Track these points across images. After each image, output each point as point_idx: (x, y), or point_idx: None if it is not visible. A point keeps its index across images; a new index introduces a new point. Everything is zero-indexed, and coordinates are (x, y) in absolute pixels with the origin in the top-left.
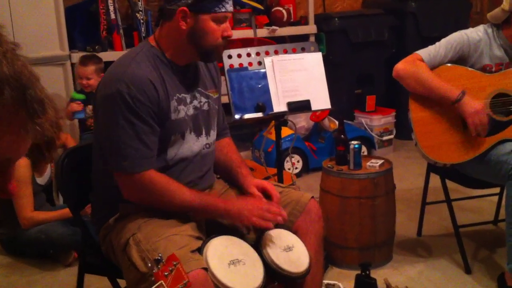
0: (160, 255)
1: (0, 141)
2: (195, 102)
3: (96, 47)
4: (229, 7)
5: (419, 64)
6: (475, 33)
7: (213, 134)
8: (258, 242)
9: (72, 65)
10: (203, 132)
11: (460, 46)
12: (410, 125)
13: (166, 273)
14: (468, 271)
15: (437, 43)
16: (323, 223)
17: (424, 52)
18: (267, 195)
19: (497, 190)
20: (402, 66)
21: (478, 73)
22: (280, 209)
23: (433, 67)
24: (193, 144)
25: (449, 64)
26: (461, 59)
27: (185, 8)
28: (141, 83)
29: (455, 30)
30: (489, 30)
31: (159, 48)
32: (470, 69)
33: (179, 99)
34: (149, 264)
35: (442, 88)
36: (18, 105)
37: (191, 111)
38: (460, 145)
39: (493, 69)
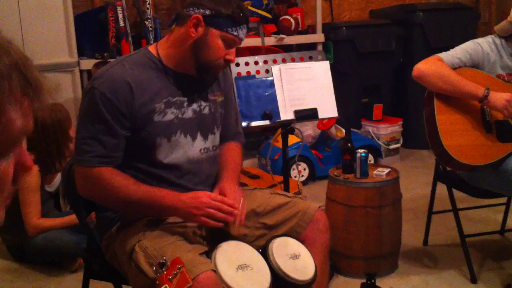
0: (164, 258)
1: (14, 123)
2: (194, 106)
3: (105, 55)
4: (242, 34)
5: (441, 64)
6: (486, 44)
7: (212, 138)
8: (265, 249)
9: (81, 72)
10: (199, 136)
11: (475, 55)
12: (433, 129)
13: (170, 277)
14: (474, 281)
15: (453, 49)
16: (330, 233)
17: (443, 54)
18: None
19: (504, 200)
20: (424, 65)
21: (496, 79)
22: (233, 207)
23: (452, 69)
24: (188, 150)
25: (468, 68)
26: (474, 67)
27: (200, 16)
28: (115, 82)
29: (463, 41)
30: (497, 41)
31: (157, 54)
32: (487, 74)
33: (169, 102)
34: (154, 268)
35: (467, 85)
36: (25, 88)
37: (189, 114)
38: (480, 148)
39: (506, 79)
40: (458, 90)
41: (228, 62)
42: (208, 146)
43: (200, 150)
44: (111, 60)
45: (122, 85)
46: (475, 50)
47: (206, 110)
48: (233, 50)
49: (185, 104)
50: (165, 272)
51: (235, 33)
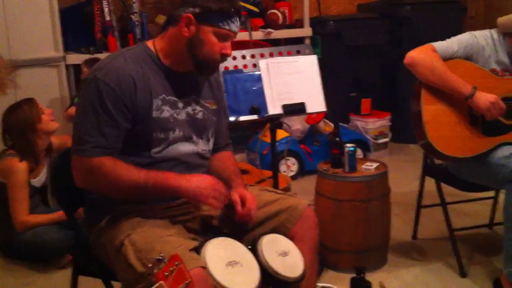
0: (161, 255)
1: None
2: (189, 109)
3: (91, 49)
4: (234, 27)
5: (433, 54)
6: (483, 37)
7: (205, 144)
8: (254, 245)
9: (67, 66)
10: (193, 139)
11: (470, 47)
12: (418, 119)
13: (166, 273)
14: (463, 274)
15: (449, 39)
16: (318, 230)
17: (437, 44)
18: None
19: (492, 193)
20: (416, 54)
21: (488, 73)
22: (251, 209)
23: (444, 60)
24: (181, 147)
25: (461, 59)
26: (468, 59)
27: (190, 15)
28: (119, 74)
29: (450, 35)
30: (495, 36)
31: (155, 51)
32: (481, 67)
33: (165, 100)
34: (150, 265)
35: (455, 81)
36: None
37: (182, 116)
38: (465, 140)
39: (499, 74)
40: (446, 84)
41: (224, 57)
42: (199, 150)
43: (193, 152)
44: (97, 54)
45: (126, 77)
46: (470, 42)
47: (200, 115)
48: (229, 44)
49: (179, 105)
50: (161, 269)
51: (227, 27)
